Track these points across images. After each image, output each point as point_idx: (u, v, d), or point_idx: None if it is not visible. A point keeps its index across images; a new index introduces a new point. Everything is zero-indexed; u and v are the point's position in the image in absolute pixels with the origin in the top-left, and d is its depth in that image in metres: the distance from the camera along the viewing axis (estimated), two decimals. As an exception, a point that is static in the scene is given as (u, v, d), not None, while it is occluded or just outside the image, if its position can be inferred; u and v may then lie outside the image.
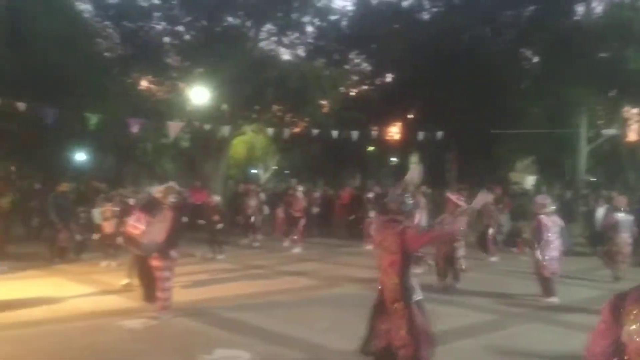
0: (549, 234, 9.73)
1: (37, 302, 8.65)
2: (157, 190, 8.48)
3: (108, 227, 12.26)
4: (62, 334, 7.16)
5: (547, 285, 9.86)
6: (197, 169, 22.43)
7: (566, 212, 18.00)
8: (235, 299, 9.45)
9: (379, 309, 5.13)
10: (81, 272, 11.42)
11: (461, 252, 10.82)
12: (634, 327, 2.50)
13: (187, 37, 21.35)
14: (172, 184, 8.64)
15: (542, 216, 9.82)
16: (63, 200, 13.11)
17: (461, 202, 9.88)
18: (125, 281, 9.78)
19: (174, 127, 16.25)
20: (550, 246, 9.73)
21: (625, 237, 12.00)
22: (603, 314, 2.65)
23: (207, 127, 17.99)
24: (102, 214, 12.51)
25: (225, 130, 19.26)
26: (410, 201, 5.32)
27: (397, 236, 4.93)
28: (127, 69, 20.63)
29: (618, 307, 2.62)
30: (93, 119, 14.00)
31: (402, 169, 31.20)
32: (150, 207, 7.92)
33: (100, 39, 20.43)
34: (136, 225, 7.64)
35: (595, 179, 29.16)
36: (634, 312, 2.54)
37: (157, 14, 20.95)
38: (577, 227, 18.04)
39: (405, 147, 29.03)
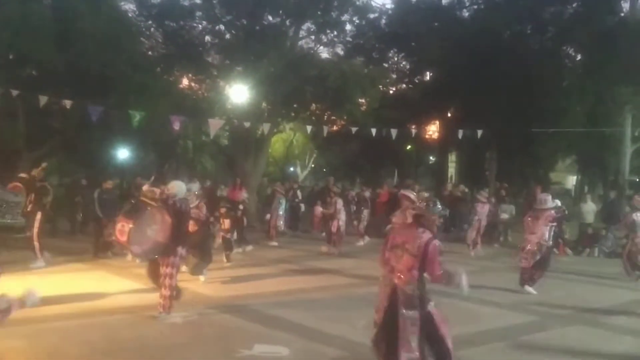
0: None
1: (81, 295, 8.89)
2: (142, 193, 8.40)
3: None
4: (105, 326, 7.35)
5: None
6: (236, 167, 22.68)
7: (610, 213, 17.77)
8: (273, 296, 9.57)
9: (391, 313, 5.05)
10: (124, 266, 11.70)
11: None
12: None
13: (227, 35, 21.60)
14: (149, 185, 8.47)
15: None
16: (108, 196, 13.48)
17: (414, 199, 9.82)
18: None
19: (214, 125, 16.49)
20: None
21: None
22: None
23: (246, 124, 18.18)
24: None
25: (265, 127, 19.43)
26: (439, 206, 5.29)
27: (422, 246, 4.89)
28: (169, 67, 20.97)
29: None
30: (136, 117, 14.31)
31: (440, 167, 31.01)
32: (132, 211, 7.83)
33: (144, 38, 20.82)
34: (121, 231, 7.52)
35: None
36: None
37: (198, 14, 21.26)
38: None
39: (443, 145, 28.80)
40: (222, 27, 21.41)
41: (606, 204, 18.49)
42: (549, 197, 10.78)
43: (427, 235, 4.96)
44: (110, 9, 17.39)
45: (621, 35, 20.93)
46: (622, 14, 23.07)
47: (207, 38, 21.83)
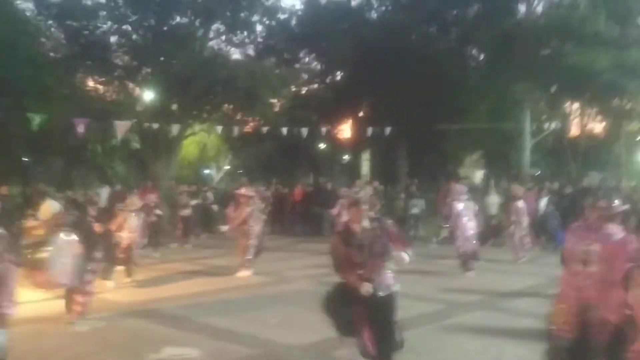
0: (464, 219, 11.78)
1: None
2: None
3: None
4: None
5: (463, 261, 11.76)
6: (147, 170, 22.11)
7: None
8: (184, 298, 9.44)
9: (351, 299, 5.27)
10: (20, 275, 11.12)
11: None
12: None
13: (134, 36, 20.99)
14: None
15: (456, 202, 12.00)
16: (5, 203, 12.77)
17: (251, 194, 11.78)
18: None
19: (121, 127, 16.03)
20: (465, 228, 11.77)
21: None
22: None
23: (155, 126, 17.78)
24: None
25: (174, 129, 19.09)
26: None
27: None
28: (72, 68, 20.11)
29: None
30: (35, 120, 13.66)
31: (354, 166, 31.54)
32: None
33: (44, 38, 19.89)
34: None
35: (539, 172, 30.06)
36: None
37: (102, 13, 20.51)
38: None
39: (356, 144, 29.34)
40: (128, 27, 20.77)
41: (508, 196, 19.42)
42: (465, 189, 12.47)
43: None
44: (5, 7, 16.48)
45: (518, 36, 22.10)
46: (519, 17, 24.30)
47: (113, 39, 21.12)
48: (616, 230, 4.39)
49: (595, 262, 4.35)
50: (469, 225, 11.86)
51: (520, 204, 13.92)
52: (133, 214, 10.92)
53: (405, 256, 5.57)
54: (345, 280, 5.30)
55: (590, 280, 4.35)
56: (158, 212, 14.51)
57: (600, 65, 19.44)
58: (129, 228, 10.72)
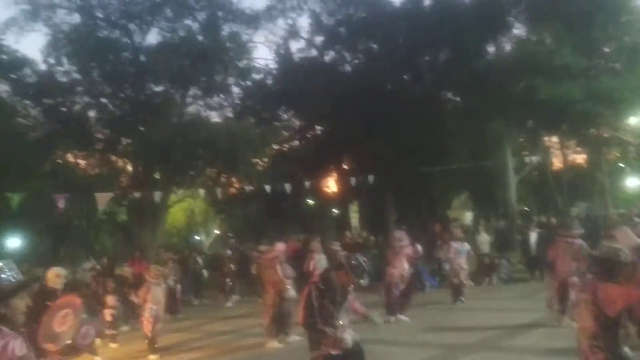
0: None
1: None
2: None
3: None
4: None
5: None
6: (133, 241, 21.87)
7: (502, 241, 18.65)
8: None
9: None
10: None
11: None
12: None
13: (112, 108, 21.15)
14: None
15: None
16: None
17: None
18: None
19: (102, 199, 15.85)
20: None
21: None
22: None
23: (136, 194, 17.69)
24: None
25: (157, 196, 18.98)
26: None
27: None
28: (52, 145, 20.13)
29: None
30: (15, 199, 13.50)
31: (343, 218, 31.44)
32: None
33: (21, 118, 19.98)
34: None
35: (527, 208, 30.14)
36: None
37: (79, 89, 20.72)
38: (516, 255, 18.50)
39: (343, 197, 29.30)
40: (105, 100, 20.96)
41: (498, 234, 19.37)
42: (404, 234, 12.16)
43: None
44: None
45: (490, 76, 22.49)
46: (489, 57, 24.80)
47: (91, 113, 21.26)
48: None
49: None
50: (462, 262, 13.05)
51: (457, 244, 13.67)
52: (156, 284, 10.19)
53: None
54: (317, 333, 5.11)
55: None
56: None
57: (572, 97, 19.75)
58: (152, 300, 10.02)
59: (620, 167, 33.04)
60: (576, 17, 21.04)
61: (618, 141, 28.22)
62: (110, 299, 12.00)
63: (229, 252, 18.92)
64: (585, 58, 20.93)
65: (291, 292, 9.91)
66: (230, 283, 17.19)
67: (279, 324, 9.95)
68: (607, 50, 23.19)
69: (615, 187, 31.14)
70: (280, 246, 10.58)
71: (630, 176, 31.43)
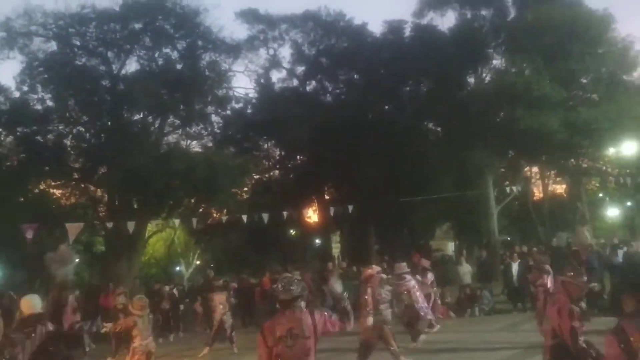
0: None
1: None
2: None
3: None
4: None
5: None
6: (109, 272, 21.31)
7: (484, 272, 18.38)
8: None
9: None
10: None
11: None
12: None
13: (87, 136, 20.79)
14: None
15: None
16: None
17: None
18: None
19: (73, 229, 15.41)
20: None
21: None
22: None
23: (109, 224, 17.27)
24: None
25: (130, 226, 18.55)
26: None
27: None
28: (25, 175, 19.66)
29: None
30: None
31: (325, 248, 31.06)
32: None
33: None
34: None
35: (509, 238, 30.04)
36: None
37: (53, 117, 20.37)
38: (499, 285, 18.24)
39: (325, 226, 29.01)
40: (81, 128, 20.61)
41: (480, 265, 19.14)
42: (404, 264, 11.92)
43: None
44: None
45: (471, 106, 22.54)
46: (469, 88, 24.94)
47: (66, 141, 20.86)
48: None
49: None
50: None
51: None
52: (143, 316, 9.17)
53: None
54: None
55: None
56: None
57: (551, 127, 19.84)
58: (140, 335, 9.09)
59: (601, 197, 33.20)
60: (554, 48, 21.28)
61: (597, 171, 28.36)
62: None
63: (166, 288, 18.26)
64: (564, 89, 21.10)
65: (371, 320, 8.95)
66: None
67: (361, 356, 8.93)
68: (584, 81, 23.41)
69: (596, 216, 31.19)
70: (376, 268, 9.83)
71: (610, 206, 31.55)
